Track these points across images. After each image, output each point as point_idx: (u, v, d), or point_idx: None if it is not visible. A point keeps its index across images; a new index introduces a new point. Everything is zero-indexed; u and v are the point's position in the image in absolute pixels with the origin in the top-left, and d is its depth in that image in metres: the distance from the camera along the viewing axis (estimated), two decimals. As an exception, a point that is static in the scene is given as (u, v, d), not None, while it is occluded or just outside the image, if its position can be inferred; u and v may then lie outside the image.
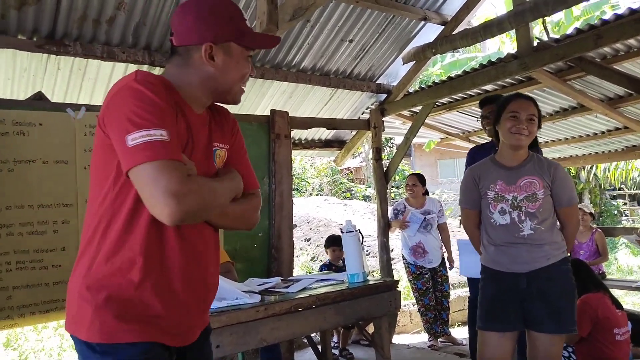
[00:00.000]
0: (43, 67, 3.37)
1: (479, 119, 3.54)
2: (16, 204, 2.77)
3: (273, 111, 3.91)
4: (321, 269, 4.50)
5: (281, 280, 2.92)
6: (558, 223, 2.31)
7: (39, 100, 2.98)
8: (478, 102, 4.64)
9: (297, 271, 6.68)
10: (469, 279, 3.43)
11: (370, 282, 2.80)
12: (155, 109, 1.10)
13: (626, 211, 14.03)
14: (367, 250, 7.29)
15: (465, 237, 3.20)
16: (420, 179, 4.70)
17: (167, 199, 1.04)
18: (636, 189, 14.55)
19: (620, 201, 14.12)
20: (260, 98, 4.44)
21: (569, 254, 2.31)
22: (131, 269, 1.14)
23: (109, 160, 1.14)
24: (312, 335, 3.45)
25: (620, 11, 3.12)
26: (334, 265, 4.33)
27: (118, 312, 1.13)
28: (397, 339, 4.73)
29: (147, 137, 1.05)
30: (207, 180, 1.20)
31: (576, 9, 9.84)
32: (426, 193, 4.70)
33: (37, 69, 3.38)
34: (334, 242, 4.38)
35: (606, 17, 3.21)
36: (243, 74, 1.29)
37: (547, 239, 2.21)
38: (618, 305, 3.07)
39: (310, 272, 7.03)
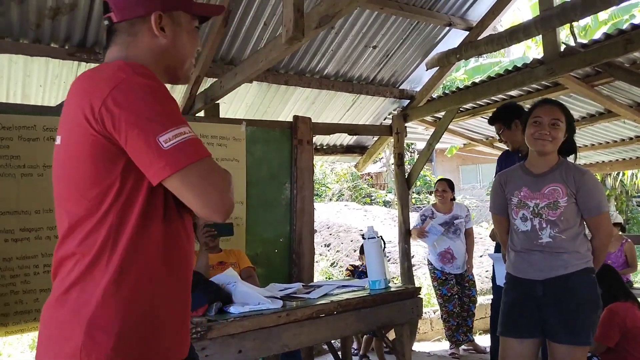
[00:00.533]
0: (74, 74, 3.46)
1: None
2: (45, 208, 2.85)
3: (296, 117, 3.93)
4: (359, 275, 4.21)
5: (302, 285, 2.92)
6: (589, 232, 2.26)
7: (69, 106, 3.05)
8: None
9: (317, 277, 6.68)
10: (493, 285, 3.42)
11: (392, 289, 2.79)
12: (172, 103, 1.01)
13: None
14: (388, 257, 7.25)
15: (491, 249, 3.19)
16: (449, 184, 4.69)
17: (223, 195, 1.00)
18: (665, 196, 14.15)
19: (648, 208, 13.76)
20: (283, 104, 4.47)
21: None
22: (155, 283, 1.03)
23: (108, 170, 0.99)
24: (333, 341, 3.44)
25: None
26: None
27: (146, 337, 1.01)
28: (417, 347, 4.69)
29: (181, 137, 0.96)
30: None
31: (603, 13, 9.67)
32: (453, 199, 4.68)
33: (67, 76, 3.47)
34: None
35: (636, 21, 3.15)
36: (194, 45, 1.19)
37: (568, 248, 2.15)
38: None
39: (329, 278, 7.03)
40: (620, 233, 5.40)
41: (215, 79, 3.55)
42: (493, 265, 3.43)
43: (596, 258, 2.22)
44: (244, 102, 4.29)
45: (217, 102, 3.65)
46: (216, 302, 2.23)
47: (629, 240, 5.27)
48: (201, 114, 3.76)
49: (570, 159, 2.34)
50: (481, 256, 7.49)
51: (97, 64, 3.51)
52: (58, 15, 2.98)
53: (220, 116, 3.85)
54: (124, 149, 0.97)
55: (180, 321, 1.10)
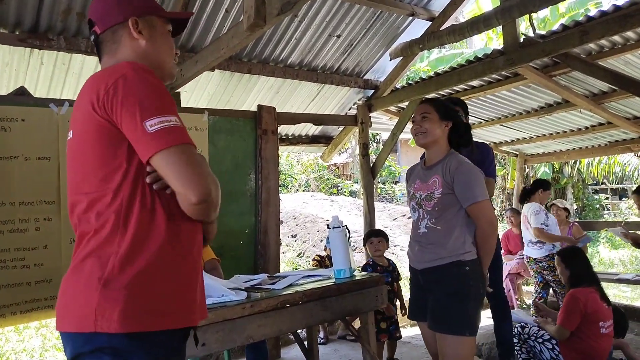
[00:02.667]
0: (26, 61, 3.30)
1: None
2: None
3: (260, 107, 3.88)
4: (364, 269, 3.75)
5: (267, 276, 2.91)
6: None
7: (21, 95, 2.92)
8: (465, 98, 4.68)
9: (284, 267, 6.68)
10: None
11: (357, 278, 2.81)
12: (165, 97, 1.15)
13: (608, 205, 14.25)
14: (354, 246, 7.31)
15: None
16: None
17: (201, 178, 1.11)
18: (618, 184, 14.77)
19: (602, 195, 14.34)
20: (247, 93, 4.41)
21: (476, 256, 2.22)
22: (164, 255, 1.15)
23: (114, 151, 1.13)
24: (299, 331, 3.44)
25: (604, 8, 3.15)
26: (379, 265, 3.71)
27: (155, 300, 1.13)
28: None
29: (166, 124, 1.10)
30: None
31: (562, 6, 9.93)
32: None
33: (19, 63, 3.31)
34: (377, 234, 3.87)
35: (591, 13, 3.23)
36: (169, 45, 1.35)
37: (439, 240, 2.21)
38: (607, 301, 3.12)
39: (296, 269, 7.03)
40: (570, 220, 5.63)
41: (175, 67, 3.46)
42: None
43: (481, 247, 2.23)
44: (206, 91, 4.21)
45: (177, 90, 3.56)
46: (178, 295, 2.19)
47: (575, 223, 5.51)
48: (162, 103, 3.66)
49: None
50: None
51: (52, 51, 3.36)
52: (6, -1, 2.83)
53: (182, 105, 3.76)
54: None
55: (188, 291, 1.21)
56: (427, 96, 4.68)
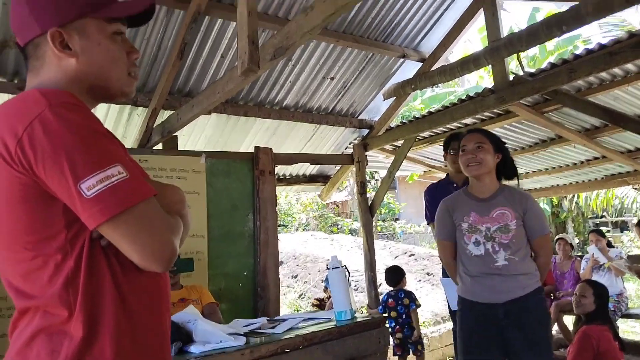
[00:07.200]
0: (24, 109, 3.35)
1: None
2: None
3: (257, 148, 3.92)
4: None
5: (267, 320, 2.86)
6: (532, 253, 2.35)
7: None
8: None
9: (285, 309, 6.57)
10: (451, 311, 3.44)
11: (358, 320, 2.75)
12: (99, 138, 0.88)
13: (609, 238, 14.19)
14: (355, 286, 7.22)
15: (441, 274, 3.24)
16: (600, 234, 5.39)
17: (163, 245, 0.89)
18: (617, 216, 14.75)
19: (603, 228, 14.27)
20: (243, 135, 4.46)
21: (543, 284, 2.34)
22: (128, 334, 0.92)
23: (44, 210, 0.87)
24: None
25: (591, 46, 3.23)
26: None
27: None
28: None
29: (108, 181, 0.84)
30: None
31: (550, 44, 10.19)
32: (609, 245, 5.30)
33: (17, 111, 3.36)
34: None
35: (578, 51, 3.31)
36: (116, 55, 1.00)
37: (521, 270, 2.23)
38: (619, 341, 3.06)
39: (298, 310, 6.92)
40: (572, 255, 5.60)
41: (172, 111, 3.52)
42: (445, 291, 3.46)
43: (541, 276, 2.31)
44: (204, 134, 4.26)
45: (175, 134, 3.61)
46: (176, 342, 2.15)
47: (577, 258, 5.48)
48: (159, 146, 3.70)
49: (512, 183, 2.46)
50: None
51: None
52: (5, 49, 2.90)
53: (179, 148, 3.80)
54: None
55: None
56: (421, 134, 4.75)
